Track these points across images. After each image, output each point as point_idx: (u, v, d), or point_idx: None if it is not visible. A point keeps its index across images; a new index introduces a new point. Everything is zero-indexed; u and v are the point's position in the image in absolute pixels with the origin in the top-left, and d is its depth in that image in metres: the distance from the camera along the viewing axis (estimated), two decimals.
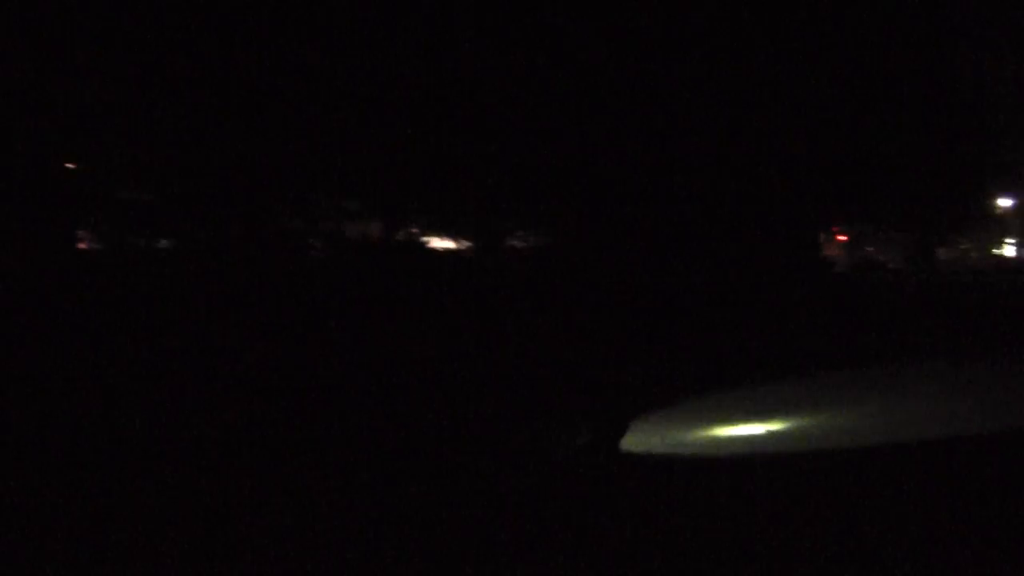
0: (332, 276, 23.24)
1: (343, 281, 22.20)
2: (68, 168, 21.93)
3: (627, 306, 20.22)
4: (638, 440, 9.08)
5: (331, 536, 6.52)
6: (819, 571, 6.00)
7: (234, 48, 20.41)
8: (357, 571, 5.93)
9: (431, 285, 21.48)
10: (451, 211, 29.28)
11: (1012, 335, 20.01)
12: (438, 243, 40.90)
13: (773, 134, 24.11)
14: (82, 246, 23.37)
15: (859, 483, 7.86)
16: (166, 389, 12.03)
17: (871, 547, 6.33)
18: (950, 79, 41.41)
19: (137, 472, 7.94)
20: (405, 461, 8.17)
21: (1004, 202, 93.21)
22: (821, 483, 7.97)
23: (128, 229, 22.80)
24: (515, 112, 21.60)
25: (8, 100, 19.76)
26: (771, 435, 9.68)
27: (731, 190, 24.19)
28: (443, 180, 23.87)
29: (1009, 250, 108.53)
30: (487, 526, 6.72)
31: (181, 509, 6.76)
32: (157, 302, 17.35)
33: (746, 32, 23.56)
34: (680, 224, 23.93)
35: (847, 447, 9.09)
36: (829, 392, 13.39)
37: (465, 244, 36.27)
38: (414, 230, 33.38)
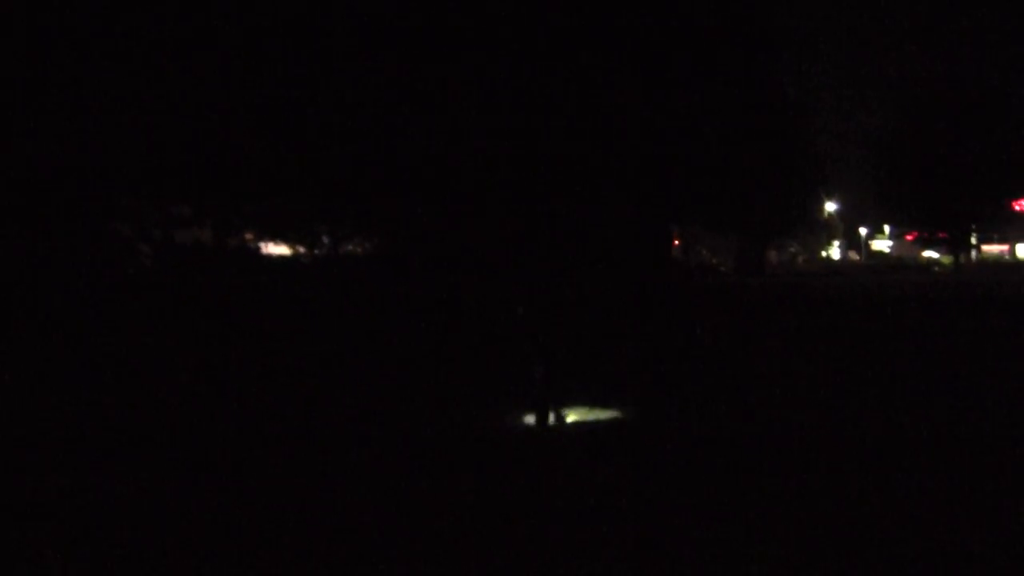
0: (160, 283, 22.90)
1: (170, 288, 21.91)
2: None
3: (463, 309, 20.47)
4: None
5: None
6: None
7: (59, 44, 19.89)
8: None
9: (261, 290, 21.37)
10: (284, 217, 29.02)
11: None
12: (273, 249, 40.59)
13: (610, 140, 24.56)
14: None
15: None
16: None
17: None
18: (778, 90, 43.04)
19: None
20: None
21: (831, 206, 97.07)
22: None
23: None
24: (347, 118, 21.56)
25: None
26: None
27: (572, 193, 24.58)
28: (275, 185, 23.65)
29: (836, 253, 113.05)
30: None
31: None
32: None
33: (582, 39, 23.94)
34: (522, 225, 24.26)
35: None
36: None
37: (300, 249, 36.12)
38: (248, 236, 32.93)
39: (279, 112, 21.58)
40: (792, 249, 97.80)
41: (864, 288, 39.98)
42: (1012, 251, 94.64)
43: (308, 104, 21.60)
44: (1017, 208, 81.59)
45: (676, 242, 59.58)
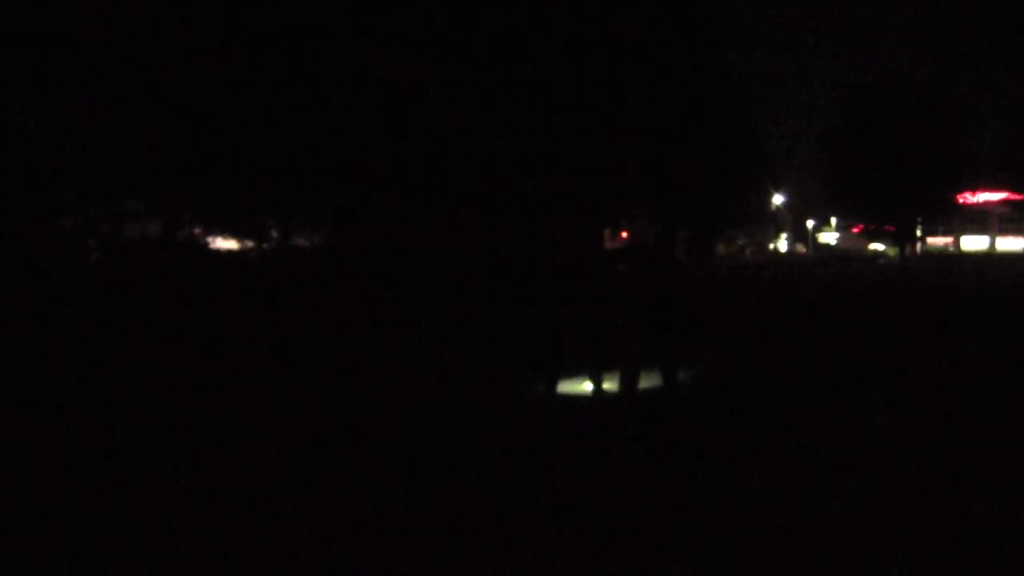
0: (107, 277, 22.64)
1: (118, 282, 21.67)
2: None
3: (410, 302, 20.40)
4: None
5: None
6: None
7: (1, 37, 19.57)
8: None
9: (209, 284, 21.19)
10: (232, 211, 28.73)
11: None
12: (222, 243, 40.28)
13: (557, 134, 24.53)
14: None
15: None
16: None
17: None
18: (726, 85, 43.24)
19: None
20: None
21: (778, 199, 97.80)
22: None
23: None
24: (294, 113, 21.41)
25: None
26: None
27: (514, 186, 24.55)
28: (223, 180, 23.41)
29: (783, 245, 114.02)
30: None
31: None
32: None
33: (527, 33, 23.91)
34: (460, 220, 24.20)
35: None
36: None
37: (249, 244, 35.85)
38: (197, 231, 32.61)
39: (225, 105, 21.38)
40: (740, 242, 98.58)
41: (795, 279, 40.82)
42: (956, 243, 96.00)
43: (254, 96, 21.42)
44: (961, 201, 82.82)
45: (625, 234, 59.62)
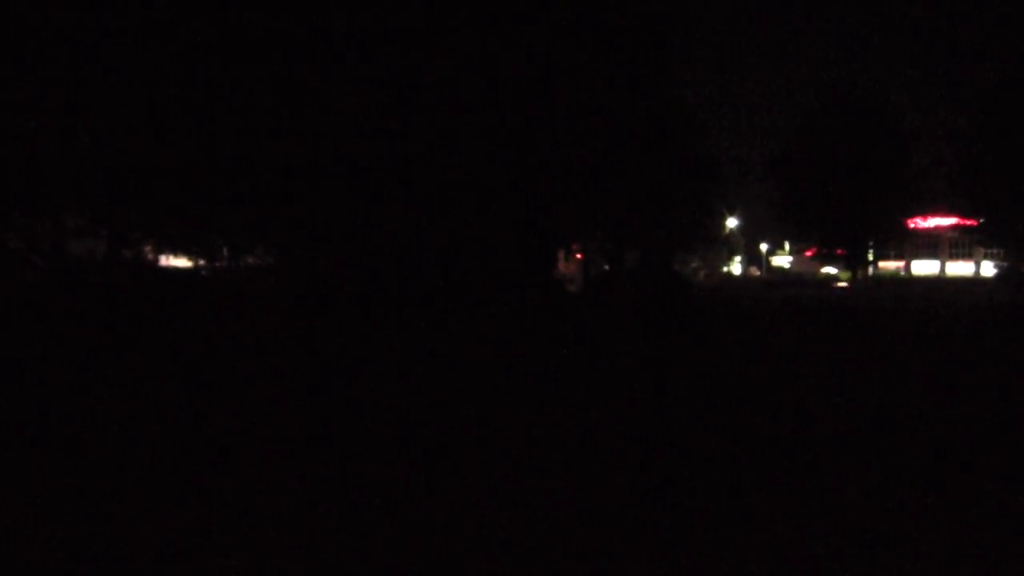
0: (51, 293, 22.39)
1: (62, 298, 21.44)
2: None
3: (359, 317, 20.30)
4: None
5: None
6: None
7: None
8: None
9: (154, 301, 21.01)
10: (181, 229, 28.55)
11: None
12: (174, 261, 40.04)
13: (511, 155, 24.61)
14: None
15: None
16: None
17: None
18: (679, 109, 43.68)
19: None
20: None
21: (732, 223, 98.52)
22: None
23: None
24: (237, 130, 21.30)
25: None
26: None
27: (468, 206, 24.59)
28: (171, 198, 23.26)
29: (737, 268, 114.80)
30: None
31: None
32: None
33: (479, 57, 23.95)
34: (413, 240, 24.18)
35: None
36: None
37: (200, 262, 35.58)
38: (147, 248, 32.37)
39: (170, 122, 21.25)
40: (694, 264, 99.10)
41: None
42: (908, 267, 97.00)
43: (198, 113, 21.30)
44: (912, 226, 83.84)
45: (579, 257, 59.77)
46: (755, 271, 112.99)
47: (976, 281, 78.48)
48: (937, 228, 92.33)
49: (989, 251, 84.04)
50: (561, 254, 55.08)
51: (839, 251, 76.31)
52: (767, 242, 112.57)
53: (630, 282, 36.56)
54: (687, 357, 17.09)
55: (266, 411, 10.97)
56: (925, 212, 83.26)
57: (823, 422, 9.99)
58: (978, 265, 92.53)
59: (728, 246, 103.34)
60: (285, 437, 9.37)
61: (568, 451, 8.55)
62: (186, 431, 9.84)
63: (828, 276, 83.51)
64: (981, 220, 71.31)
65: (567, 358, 16.43)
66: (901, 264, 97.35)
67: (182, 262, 38.96)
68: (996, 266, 75.80)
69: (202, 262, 35.39)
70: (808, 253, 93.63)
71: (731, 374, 14.27)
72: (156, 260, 34.45)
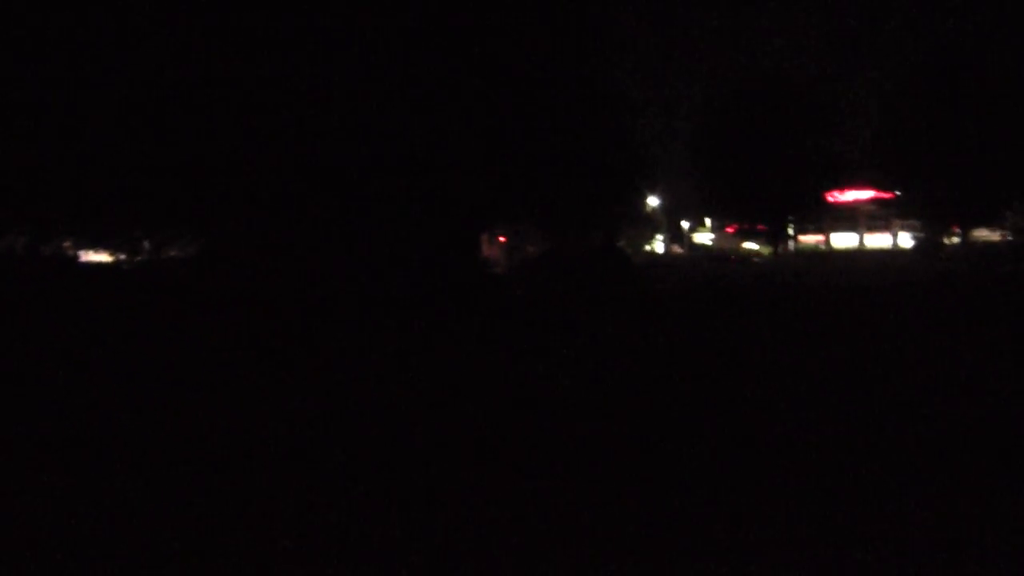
0: None
1: None
2: None
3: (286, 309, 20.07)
4: None
5: None
6: None
7: None
8: None
9: (78, 299, 20.56)
10: (101, 223, 27.92)
11: None
12: (94, 257, 39.23)
13: (436, 139, 24.42)
14: None
15: None
16: None
17: None
18: (598, 87, 43.65)
19: None
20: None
21: (653, 201, 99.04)
22: None
23: None
24: (158, 118, 20.87)
25: None
26: None
27: (389, 191, 24.34)
28: (89, 191, 22.71)
29: (659, 246, 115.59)
30: None
31: None
32: None
33: (396, 37, 23.71)
34: (337, 226, 23.91)
35: None
36: None
37: (121, 257, 34.85)
38: (66, 244, 31.70)
39: (84, 114, 20.76)
40: (619, 244, 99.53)
41: None
42: (827, 241, 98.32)
43: (115, 106, 20.84)
44: (831, 200, 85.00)
45: (503, 239, 59.85)
46: (677, 249, 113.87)
47: (895, 252, 79.73)
48: (855, 201, 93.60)
49: (905, 223, 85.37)
50: (485, 238, 55.08)
51: (760, 227, 77.22)
52: (688, 220, 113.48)
53: (578, 259, 36.64)
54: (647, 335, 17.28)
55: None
56: (842, 186, 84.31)
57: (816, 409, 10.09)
58: (895, 237, 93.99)
59: (650, 225, 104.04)
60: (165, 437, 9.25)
61: (556, 443, 8.55)
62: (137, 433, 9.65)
63: (749, 251, 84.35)
64: (897, 193, 72.56)
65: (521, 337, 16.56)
66: (821, 238, 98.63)
67: (102, 257, 38.20)
68: (914, 237, 77.04)
69: (123, 256, 34.71)
70: (730, 230, 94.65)
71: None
72: (76, 256, 33.78)
